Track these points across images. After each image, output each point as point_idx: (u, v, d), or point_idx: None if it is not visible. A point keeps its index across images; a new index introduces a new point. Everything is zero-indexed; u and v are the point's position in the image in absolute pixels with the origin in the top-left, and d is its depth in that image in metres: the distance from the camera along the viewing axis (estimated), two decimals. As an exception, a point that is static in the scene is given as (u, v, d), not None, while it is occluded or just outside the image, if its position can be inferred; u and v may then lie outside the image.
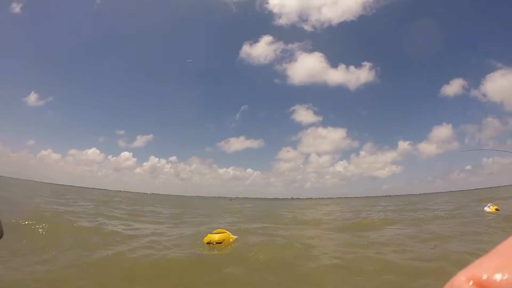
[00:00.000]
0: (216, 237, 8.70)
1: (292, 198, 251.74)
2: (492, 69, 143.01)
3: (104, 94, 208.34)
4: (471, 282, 0.32)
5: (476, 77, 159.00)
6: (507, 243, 0.36)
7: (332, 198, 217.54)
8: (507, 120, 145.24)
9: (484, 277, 0.32)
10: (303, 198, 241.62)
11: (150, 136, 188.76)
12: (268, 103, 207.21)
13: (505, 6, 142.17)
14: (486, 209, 18.70)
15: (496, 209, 18.00)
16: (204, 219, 17.78)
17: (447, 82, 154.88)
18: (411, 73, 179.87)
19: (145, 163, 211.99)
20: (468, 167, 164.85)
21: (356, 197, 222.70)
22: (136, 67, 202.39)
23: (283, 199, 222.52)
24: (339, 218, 19.76)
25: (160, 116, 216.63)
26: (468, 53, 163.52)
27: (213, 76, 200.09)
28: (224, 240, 8.73)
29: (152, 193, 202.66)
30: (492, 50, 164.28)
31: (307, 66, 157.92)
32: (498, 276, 0.31)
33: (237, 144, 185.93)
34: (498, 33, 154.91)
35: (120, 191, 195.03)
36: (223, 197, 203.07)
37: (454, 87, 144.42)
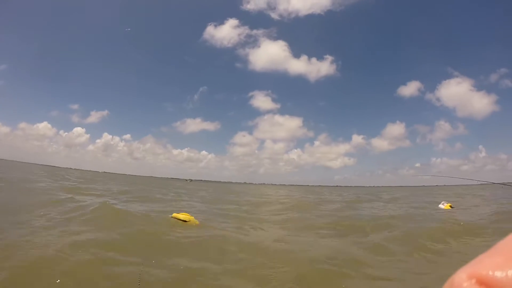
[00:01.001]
0: (181, 216, 10.39)
1: (245, 182, 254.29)
2: (449, 76, 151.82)
3: (58, 66, 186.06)
4: (472, 280, 0.33)
5: (432, 81, 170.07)
6: (507, 240, 0.36)
7: (285, 184, 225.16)
8: (457, 125, 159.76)
9: (485, 274, 0.32)
10: (256, 183, 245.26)
11: (105, 112, 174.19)
12: (227, 87, 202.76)
13: (465, 18, 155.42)
14: (441, 206, 21.03)
15: (450, 206, 20.37)
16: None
17: (404, 83, 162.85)
18: (371, 71, 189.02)
19: (98, 140, 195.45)
20: (417, 164, 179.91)
21: (308, 185, 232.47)
22: (94, 41, 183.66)
23: (236, 183, 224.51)
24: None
25: (117, 92, 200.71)
26: (427, 58, 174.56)
27: (174, 55, 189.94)
28: (190, 220, 10.30)
29: (104, 172, 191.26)
30: (450, 58, 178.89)
31: (270, 53, 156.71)
32: (499, 273, 0.32)
33: (193, 125, 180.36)
34: (457, 42, 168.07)
35: (70, 168, 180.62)
36: (176, 178, 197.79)
37: (410, 89, 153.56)
